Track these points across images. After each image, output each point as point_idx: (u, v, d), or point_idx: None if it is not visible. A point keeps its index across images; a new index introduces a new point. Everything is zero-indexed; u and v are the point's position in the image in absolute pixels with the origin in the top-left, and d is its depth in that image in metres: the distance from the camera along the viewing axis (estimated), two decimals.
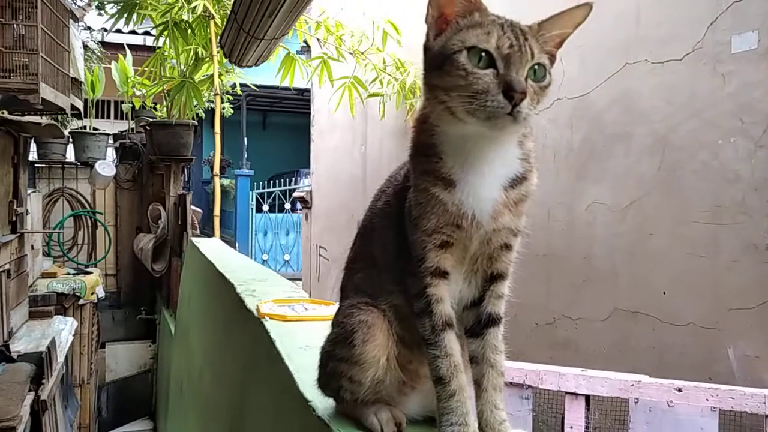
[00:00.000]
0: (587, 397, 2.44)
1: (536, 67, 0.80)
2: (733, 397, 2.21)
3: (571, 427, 2.43)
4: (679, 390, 2.28)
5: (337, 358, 0.94)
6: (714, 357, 2.79)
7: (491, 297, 0.90)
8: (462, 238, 0.85)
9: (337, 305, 1.85)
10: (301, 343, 1.45)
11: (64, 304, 4.80)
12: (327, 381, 0.99)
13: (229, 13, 3.97)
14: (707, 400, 2.24)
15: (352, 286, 1.02)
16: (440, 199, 0.84)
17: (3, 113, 3.65)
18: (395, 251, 0.92)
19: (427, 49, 0.85)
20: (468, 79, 0.78)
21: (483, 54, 0.78)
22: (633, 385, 2.36)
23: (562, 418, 2.48)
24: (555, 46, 0.85)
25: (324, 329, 1.47)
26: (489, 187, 0.84)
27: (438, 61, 0.81)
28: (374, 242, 1.00)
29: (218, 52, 4.78)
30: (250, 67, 4.11)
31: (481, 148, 0.84)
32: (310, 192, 7.37)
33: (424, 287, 0.86)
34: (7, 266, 3.44)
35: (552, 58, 0.85)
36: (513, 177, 0.85)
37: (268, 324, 1.65)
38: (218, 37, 4.71)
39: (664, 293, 3.03)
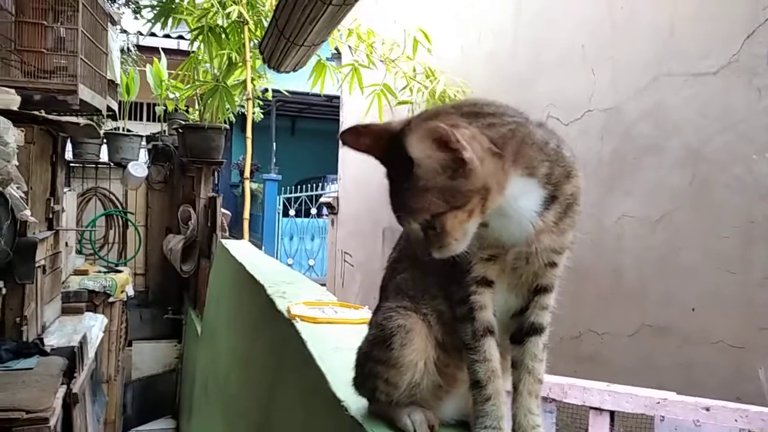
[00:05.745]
0: (612, 413, 2.40)
1: None
2: (764, 418, 2.15)
3: None
4: (707, 409, 2.24)
5: (375, 360, 0.95)
6: (743, 376, 2.74)
7: (535, 308, 0.93)
8: (505, 255, 0.90)
9: (365, 309, 1.88)
10: (332, 345, 1.47)
11: (94, 301, 4.90)
12: (363, 381, 1.00)
13: (269, 19, 4.03)
14: (736, 420, 2.19)
15: (393, 286, 1.02)
16: (478, 233, 0.86)
17: (41, 113, 3.75)
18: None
19: None
20: None
21: None
22: (659, 402, 2.31)
23: None
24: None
25: (354, 333, 1.50)
26: (518, 222, 0.87)
27: None
28: None
29: (251, 57, 4.85)
30: (288, 72, 4.17)
31: None
32: (337, 198, 7.42)
33: (468, 294, 0.89)
34: (42, 262, 3.52)
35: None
36: (541, 202, 0.87)
37: (299, 325, 1.67)
38: (253, 42, 4.79)
39: (693, 309, 2.99)
